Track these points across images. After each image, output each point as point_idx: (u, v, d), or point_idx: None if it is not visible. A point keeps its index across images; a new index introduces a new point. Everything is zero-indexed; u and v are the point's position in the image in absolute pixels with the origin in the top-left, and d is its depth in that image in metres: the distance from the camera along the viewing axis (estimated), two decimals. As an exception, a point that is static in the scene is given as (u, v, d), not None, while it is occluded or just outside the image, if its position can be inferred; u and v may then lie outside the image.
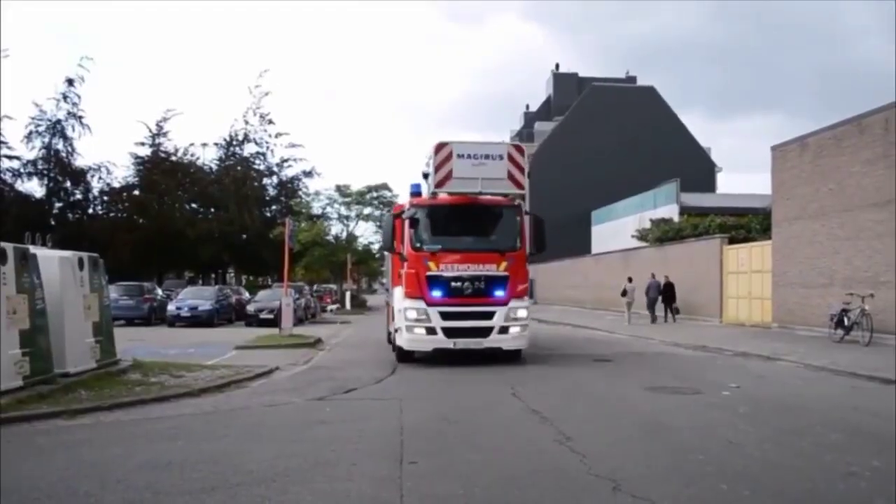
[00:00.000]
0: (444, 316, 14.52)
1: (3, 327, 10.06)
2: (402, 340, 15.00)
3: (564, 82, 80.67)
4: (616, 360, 16.51)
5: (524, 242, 15.01)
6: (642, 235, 37.52)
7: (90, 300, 13.01)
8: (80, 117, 49.09)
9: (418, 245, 14.87)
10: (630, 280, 30.21)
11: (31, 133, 48.15)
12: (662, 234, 34.98)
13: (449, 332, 14.53)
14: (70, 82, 48.34)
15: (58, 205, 49.93)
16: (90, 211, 51.64)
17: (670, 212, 39.00)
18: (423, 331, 14.64)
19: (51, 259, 12.09)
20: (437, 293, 14.55)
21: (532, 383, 12.51)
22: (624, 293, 29.57)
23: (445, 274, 14.53)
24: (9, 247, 10.53)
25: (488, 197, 15.29)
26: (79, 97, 48.85)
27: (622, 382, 12.79)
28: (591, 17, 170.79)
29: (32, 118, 48.33)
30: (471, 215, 15.39)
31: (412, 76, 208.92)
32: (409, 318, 14.72)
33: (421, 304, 14.60)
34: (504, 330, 14.63)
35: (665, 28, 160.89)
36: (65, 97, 48.41)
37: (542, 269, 50.72)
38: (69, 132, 48.81)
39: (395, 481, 6.15)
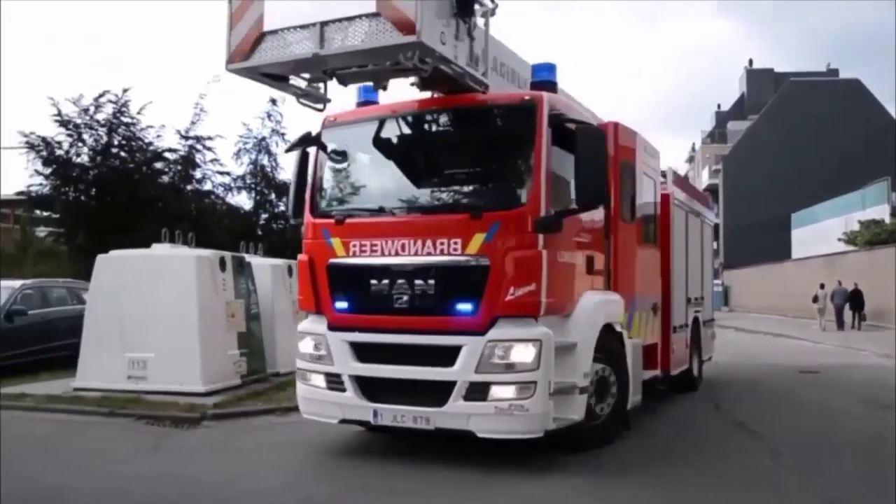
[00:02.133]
0: (360, 353, 7.15)
1: (224, 330, 11.09)
2: (298, 398, 7.91)
3: (759, 78, 76.25)
4: (824, 371, 15.39)
5: (539, 188, 6.66)
6: (850, 239, 34.69)
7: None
8: (283, 134, 53.13)
9: (323, 207, 7.69)
10: (822, 286, 29.92)
11: (239, 150, 52.71)
12: (873, 236, 32.14)
13: (367, 389, 7.09)
14: (273, 102, 52.46)
15: (264, 216, 54.35)
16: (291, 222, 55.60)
17: (880, 213, 35.71)
18: (321, 381, 7.43)
19: (263, 266, 13.18)
20: (343, 303, 7.30)
21: (734, 395, 11.95)
22: (815, 299, 29.81)
23: (358, 263, 7.18)
24: (227, 255, 11.62)
25: (473, 96, 7.18)
26: (281, 115, 52.88)
27: (833, 395, 11.94)
28: (788, 6, 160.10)
29: (241, 136, 52.96)
30: (429, 135, 7.67)
31: (601, 81, 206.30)
32: (302, 353, 7.68)
33: (319, 327, 7.48)
34: (478, 391, 6.57)
35: (876, 12, 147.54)
36: (269, 115, 52.62)
37: (736, 276, 48.18)
38: (273, 148, 53.01)
39: None
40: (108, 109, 20.53)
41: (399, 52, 6.11)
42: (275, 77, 6.80)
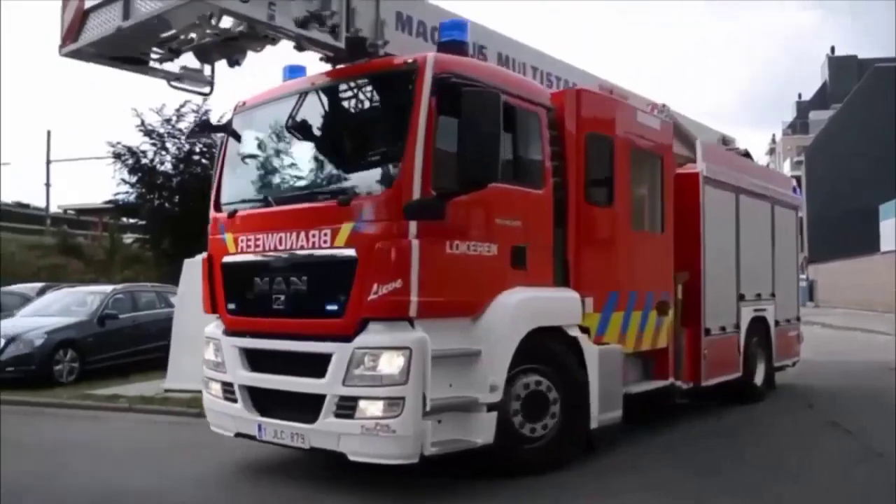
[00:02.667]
0: (250, 360, 6.40)
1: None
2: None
3: (842, 66, 72.82)
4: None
5: (411, 167, 5.58)
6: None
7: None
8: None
9: (223, 200, 6.95)
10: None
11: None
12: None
13: (256, 401, 6.32)
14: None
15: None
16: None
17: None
18: (219, 390, 6.71)
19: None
20: (232, 305, 6.63)
21: (826, 393, 11.01)
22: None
23: (242, 260, 6.50)
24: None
25: (353, 67, 6.38)
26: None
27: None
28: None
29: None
30: (313, 115, 6.51)
31: (682, 75, 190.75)
32: (205, 359, 6.98)
33: (217, 332, 6.81)
34: (347, 407, 5.60)
35: None
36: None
37: (821, 270, 44.15)
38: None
39: None
40: (190, 119, 21.28)
41: (191, 16, 5.34)
42: (131, 60, 6.18)
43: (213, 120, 14.51)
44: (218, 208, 6.86)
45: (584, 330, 6.89)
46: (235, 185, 6.85)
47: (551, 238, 6.67)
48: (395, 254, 5.49)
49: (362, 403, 5.51)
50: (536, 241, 6.48)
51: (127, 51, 6.02)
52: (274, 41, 5.88)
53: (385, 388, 5.46)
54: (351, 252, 5.66)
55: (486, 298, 6.00)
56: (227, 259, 6.63)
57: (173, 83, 6.43)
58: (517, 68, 8.01)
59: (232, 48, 5.96)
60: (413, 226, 5.51)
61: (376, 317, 5.59)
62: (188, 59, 6.26)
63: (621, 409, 7.17)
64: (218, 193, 6.91)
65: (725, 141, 12.54)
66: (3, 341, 12.47)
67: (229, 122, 7.04)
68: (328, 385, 5.65)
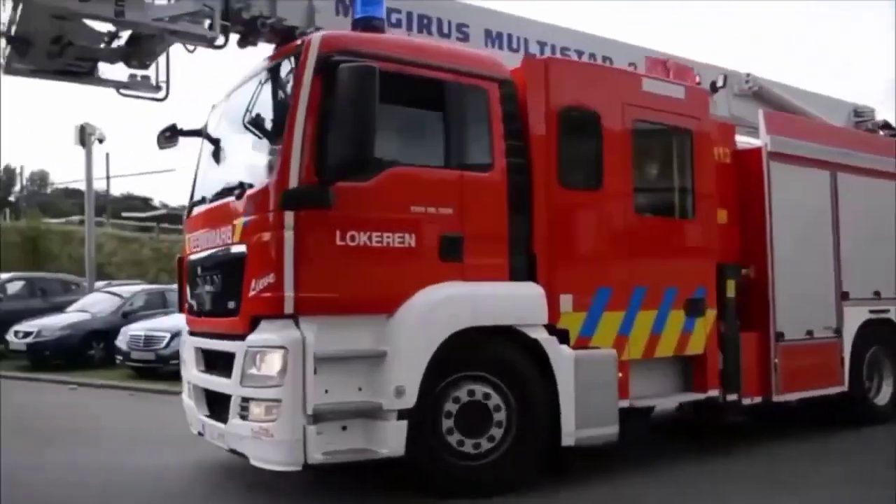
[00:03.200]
0: (205, 358, 6.25)
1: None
2: None
3: None
4: None
5: (289, 154, 5.15)
6: None
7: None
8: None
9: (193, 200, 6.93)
10: None
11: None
12: None
13: (205, 399, 6.12)
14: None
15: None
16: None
17: None
18: (186, 389, 6.62)
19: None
20: (188, 304, 6.60)
21: None
22: None
23: (189, 259, 6.54)
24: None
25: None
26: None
27: None
28: None
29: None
30: (239, 108, 6.10)
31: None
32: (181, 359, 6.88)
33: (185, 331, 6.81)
34: (245, 408, 5.25)
35: None
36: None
37: None
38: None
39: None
40: None
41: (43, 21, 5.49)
42: (71, 73, 6.40)
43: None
44: (189, 210, 6.93)
45: (562, 332, 6.00)
46: (197, 185, 6.84)
47: (506, 226, 5.85)
48: (267, 247, 5.12)
49: (252, 405, 5.18)
50: (480, 229, 5.70)
51: (55, 65, 6.30)
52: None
53: (265, 390, 5.08)
54: (242, 248, 5.40)
55: (404, 295, 5.39)
56: (184, 259, 6.74)
57: (122, 91, 6.59)
58: (514, 43, 7.30)
59: (144, 51, 6.01)
60: (289, 216, 5.07)
61: (260, 314, 5.23)
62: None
63: (616, 425, 6.10)
64: (191, 195, 6.97)
65: (859, 112, 10.64)
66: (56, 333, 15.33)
67: (204, 125, 7.08)
68: (232, 385, 5.38)
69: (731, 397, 7.11)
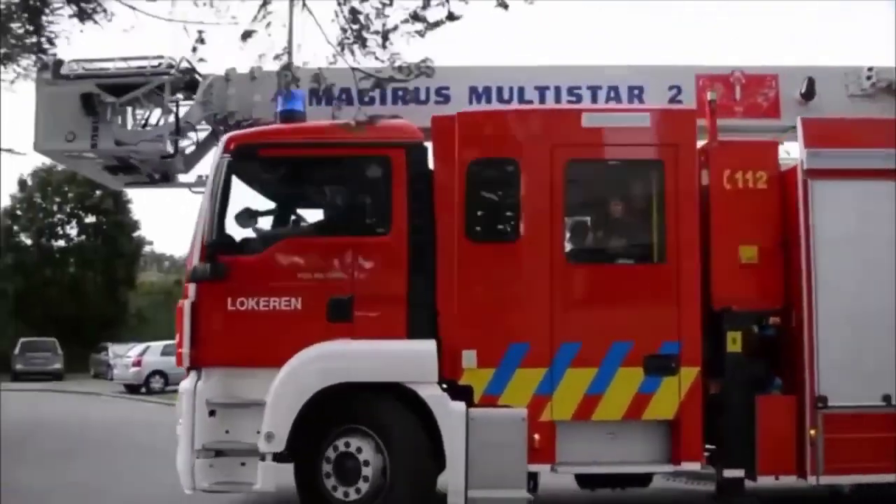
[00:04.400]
0: None
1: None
2: None
3: None
4: None
5: (196, 237, 6.25)
6: None
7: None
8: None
9: None
10: None
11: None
12: None
13: None
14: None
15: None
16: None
17: None
18: None
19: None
20: None
21: None
22: None
23: None
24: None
25: None
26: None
27: None
28: None
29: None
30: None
31: None
32: None
33: None
34: None
35: None
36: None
37: None
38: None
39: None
40: None
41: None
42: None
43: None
44: None
45: (461, 389, 6.00)
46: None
47: (404, 285, 6.10)
48: (179, 312, 6.20)
49: None
50: (374, 290, 6.06)
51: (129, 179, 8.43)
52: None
53: (178, 427, 6.24)
54: None
55: (292, 352, 6.07)
56: None
57: (194, 189, 8.33)
58: (506, 94, 7.20)
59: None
60: (192, 288, 6.18)
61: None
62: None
63: (523, 490, 5.82)
64: None
65: None
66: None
67: None
68: None
69: (732, 474, 6.02)
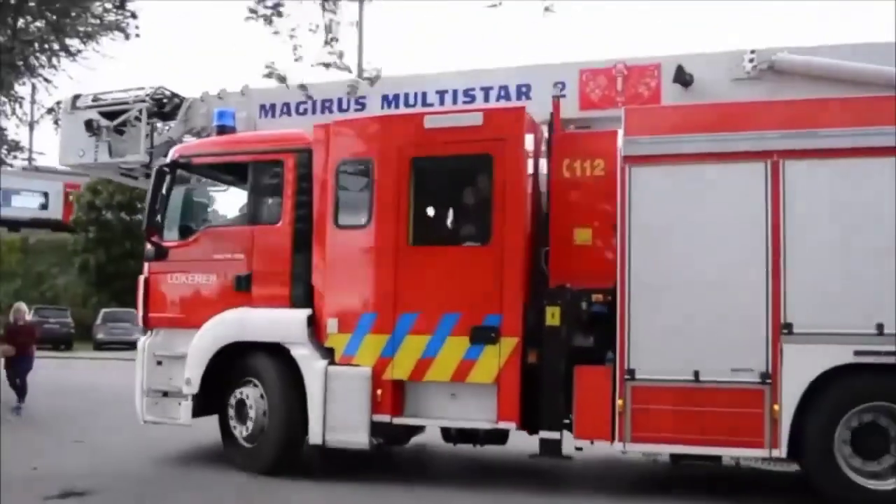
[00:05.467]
0: None
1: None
2: None
3: None
4: None
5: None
6: None
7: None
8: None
9: None
10: None
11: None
12: None
13: None
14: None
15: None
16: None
17: None
18: None
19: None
20: None
21: None
22: None
23: None
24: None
25: None
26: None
27: None
28: None
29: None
30: None
31: None
32: None
33: None
34: None
35: None
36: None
37: None
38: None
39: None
40: None
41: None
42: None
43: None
44: None
45: (326, 350, 7.24)
46: None
47: (289, 265, 7.45)
48: (137, 284, 8.22)
49: None
50: (266, 269, 7.51)
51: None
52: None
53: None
54: None
55: (209, 316, 7.65)
56: None
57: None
58: (412, 100, 8.24)
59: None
60: (146, 265, 8.08)
61: None
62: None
63: (366, 435, 6.91)
64: None
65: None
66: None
67: None
68: None
69: (549, 435, 6.63)
